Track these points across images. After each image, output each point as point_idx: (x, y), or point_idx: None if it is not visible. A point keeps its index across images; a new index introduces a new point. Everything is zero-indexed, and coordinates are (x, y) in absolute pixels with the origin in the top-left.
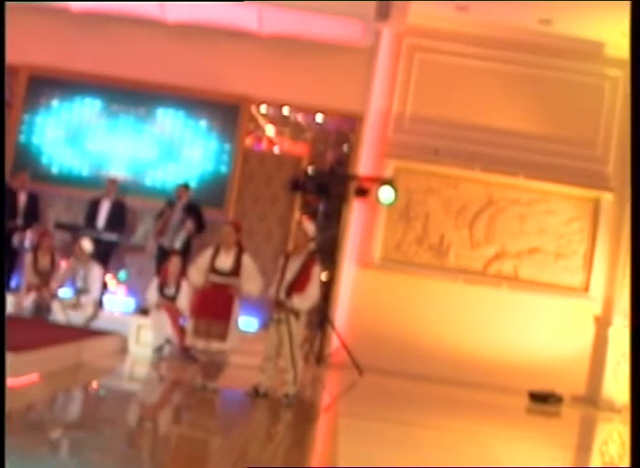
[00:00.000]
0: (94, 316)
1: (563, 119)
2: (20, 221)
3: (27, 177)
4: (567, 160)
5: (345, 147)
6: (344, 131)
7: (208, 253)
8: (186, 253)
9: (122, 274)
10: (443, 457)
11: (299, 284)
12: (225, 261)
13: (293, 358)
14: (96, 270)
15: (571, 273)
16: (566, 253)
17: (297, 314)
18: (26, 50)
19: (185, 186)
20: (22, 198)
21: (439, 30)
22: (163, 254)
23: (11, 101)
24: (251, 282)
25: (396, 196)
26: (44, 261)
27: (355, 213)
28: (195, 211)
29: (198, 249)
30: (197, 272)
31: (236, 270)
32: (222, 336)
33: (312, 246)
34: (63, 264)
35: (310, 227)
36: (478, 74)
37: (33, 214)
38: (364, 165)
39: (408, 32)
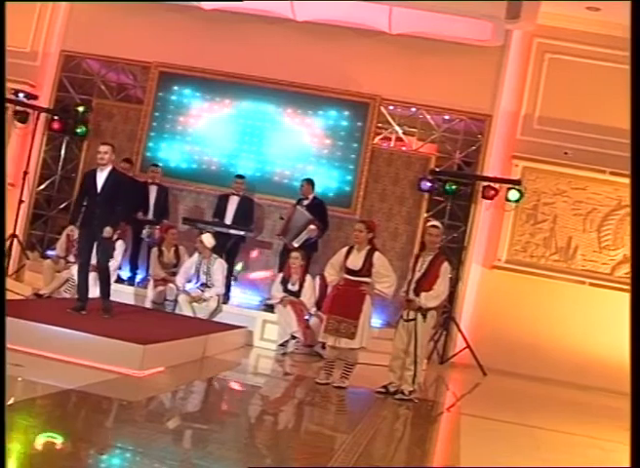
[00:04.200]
0: (217, 310)
1: None
2: (150, 215)
3: (159, 172)
4: None
5: (473, 148)
6: (473, 131)
7: (343, 252)
8: (313, 250)
9: (239, 266)
10: (564, 459)
11: (426, 282)
12: (356, 260)
13: (415, 357)
14: (218, 264)
15: None
16: None
17: (424, 313)
18: (157, 47)
19: (309, 181)
20: (153, 192)
21: (570, 31)
22: (286, 251)
23: (142, 98)
24: (383, 281)
25: (522, 197)
26: (169, 255)
27: (482, 213)
28: (320, 208)
29: (324, 245)
30: (332, 270)
31: (367, 269)
32: (352, 335)
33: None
34: (186, 258)
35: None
36: (609, 75)
37: (163, 209)
38: (492, 166)
39: (538, 33)
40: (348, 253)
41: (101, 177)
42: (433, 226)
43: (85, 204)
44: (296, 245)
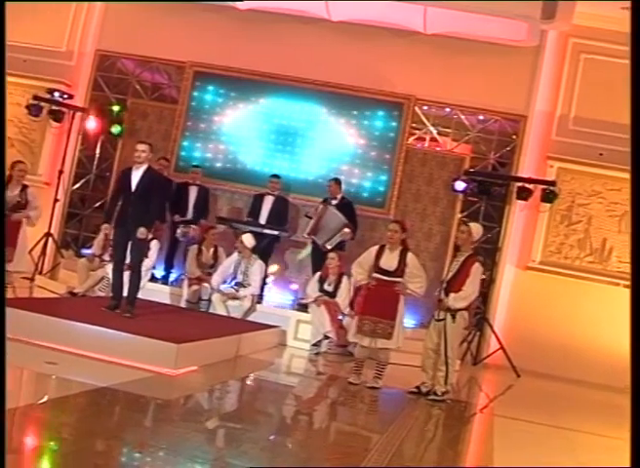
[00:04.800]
0: (251, 309)
1: None
2: (189, 215)
3: (200, 173)
4: None
5: (508, 148)
6: (508, 132)
7: (372, 252)
8: (339, 249)
9: (274, 268)
10: (602, 461)
11: (456, 283)
12: (390, 260)
13: (445, 357)
14: (257, 265)
15: None
16: None
17: (453, 314)
18: (192, 47)
19: (337, 181)
20: (193, 193)
21: (605, 31)
22: (317, 251)
23: (177, 97)
24: (415, 281)
25: (557, 198)
26: (208, 255)
27: (516, 214)
28: (349, 209)
29: (358, 246)
30: (360, 269)
31: (401, 269)
32: (389, 335)
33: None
34: (224, 258)
35: (477, 229)
36: None
37: (203, 209)
38: (526, 166)
39: (573, 33)
40: (379, 253)
41: (137, 176)
42: (464, 225)
43: (120, 202)
44: (329, 247)
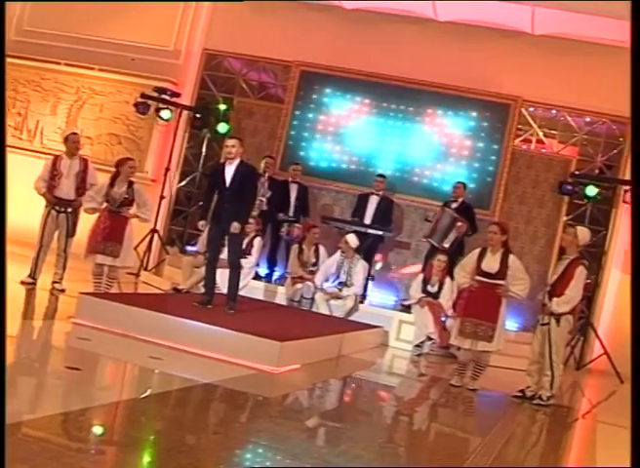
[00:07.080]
0: (354, 309)
1: None
2: (291, 213)
3: (300, 170)
4: None
5: (615, 151)
6: (615, 134)
7: (474, 255)
8: (459, 254)
9: (378, 266)
10: None
11: (559, 286)
12: (492, 263)
13: (550, 362)
14: (360, 265)
15: None
16: None
17: (557, 318)
18: (299, 46)
19: (464, 185)
20: (294, 191)
21: None
22: (433, 253)
23: (283, 97)
24: (518, 283)
25: None
26: (309, 253)
27: (623, 218)
28: (469, 211)
29: (469, 250)
30: (463, 272)
31: (503, 272)
32: (490, 338)
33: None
34: (325, 257)
35: (584, 233)
36: None
37: (302, 207)
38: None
39: None
40: (481, 255)
41: (230, 171)
42: (571, 227)
43: (215, 198)
44: (446, 245)
